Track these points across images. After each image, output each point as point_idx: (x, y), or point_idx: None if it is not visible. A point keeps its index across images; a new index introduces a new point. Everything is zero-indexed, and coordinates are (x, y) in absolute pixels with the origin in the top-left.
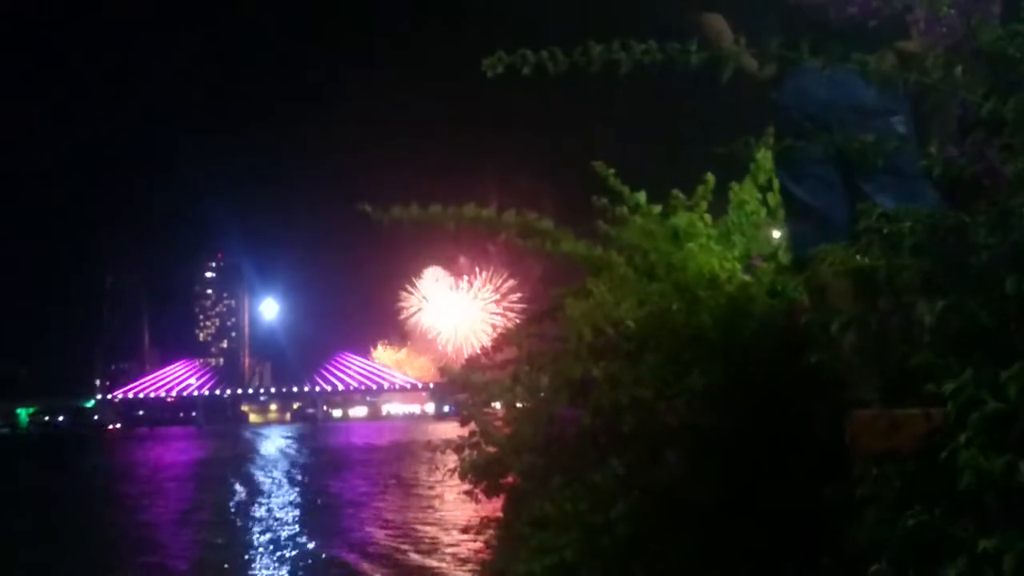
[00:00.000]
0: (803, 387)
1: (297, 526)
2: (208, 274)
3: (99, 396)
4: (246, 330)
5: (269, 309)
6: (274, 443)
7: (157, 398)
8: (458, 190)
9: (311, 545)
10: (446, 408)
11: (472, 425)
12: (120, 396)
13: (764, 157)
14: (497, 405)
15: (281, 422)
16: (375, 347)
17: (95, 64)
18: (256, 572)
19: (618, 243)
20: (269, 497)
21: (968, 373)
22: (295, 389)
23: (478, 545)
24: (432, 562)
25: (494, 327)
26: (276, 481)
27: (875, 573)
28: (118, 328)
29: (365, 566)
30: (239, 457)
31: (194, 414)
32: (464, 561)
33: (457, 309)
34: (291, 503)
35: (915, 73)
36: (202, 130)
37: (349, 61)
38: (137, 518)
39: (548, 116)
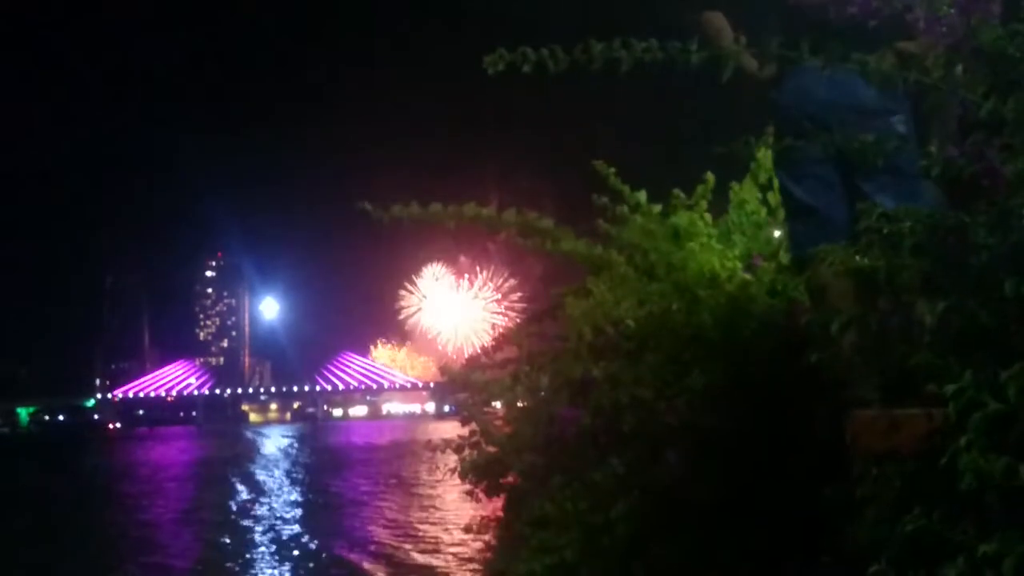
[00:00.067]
0: (803, 387)
1: (299, 525)
2: (208, 273)
3: (99, 395)
4: (246, 329)
5: (269, 308)
6: (275, 442)
7: (157, 397)
8: (458, 189)
9: (313, 544)
10: (446, 407)
11: (472, 425)
12: (120, 395)
13: (764, 156)
14: (497, 404)
15: (281, 421)
16: (375, 346)
17: (95, 64)
18: (258, 572)
19: (618, 242)
20: (270, 496)
21: (968, 374)
22: (295, 388)
23: (480, 544)
24: (435, 561)
25: (494, 326)
26: (277, 480)
27: (875, 573)
28: (118, 328)
29: (367, 565)
30: (240, 456)
31: (194, 413)
32: (467, 560)
33: (457, 308)
34: (292, 502)
35: (915, 73)
36: (202, 130)
37: (349, 61)
38: (137, 517)
39: (548, 115)
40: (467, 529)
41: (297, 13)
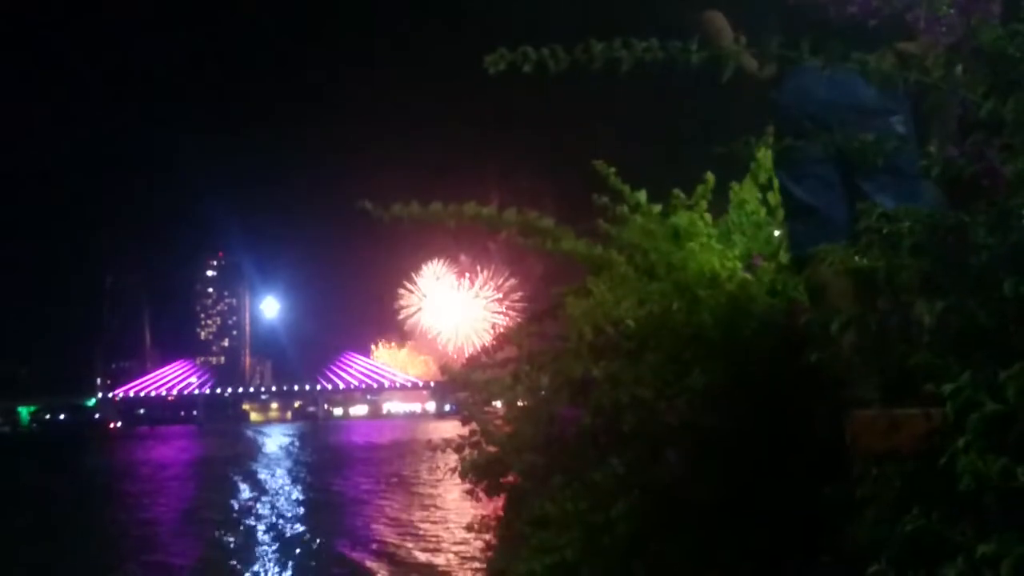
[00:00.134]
0: (803, 387)
1: (301, 524)
2: (209, 273)
3: (100, 395)
4: (247, 329)
5: (270, 308)
6: (276, 441)
7: (158, 397)
8: (458, 189)
9: (315, 543)
10: (447, 407)
11: (473, 424)
12: (121, 395)
13: (764, 156)
14: (498, 404)
15: (282, 420)
16: (376, 345)
17: (95, 64)
18: (260, 570)
19: (618, 242)
20: (272, 495)
21: (967, 374)
22: (296, 387)
23: (481, 543)
24: (436, 560)
25: (495, 326)
26: (278, 479)
27: (875, 573)
28: (118, 327)
29: (370, 564)
30: (241, 455)
31: (195, 413)
32: (468, 559)
33: (458, 308)
34: (294, 501)
35: (915, 73)
36: (202, 130)
37: (349, 61)
38: (138, 516)
39: (549, 115)
40: (468, 528)
41: (297, 13)
